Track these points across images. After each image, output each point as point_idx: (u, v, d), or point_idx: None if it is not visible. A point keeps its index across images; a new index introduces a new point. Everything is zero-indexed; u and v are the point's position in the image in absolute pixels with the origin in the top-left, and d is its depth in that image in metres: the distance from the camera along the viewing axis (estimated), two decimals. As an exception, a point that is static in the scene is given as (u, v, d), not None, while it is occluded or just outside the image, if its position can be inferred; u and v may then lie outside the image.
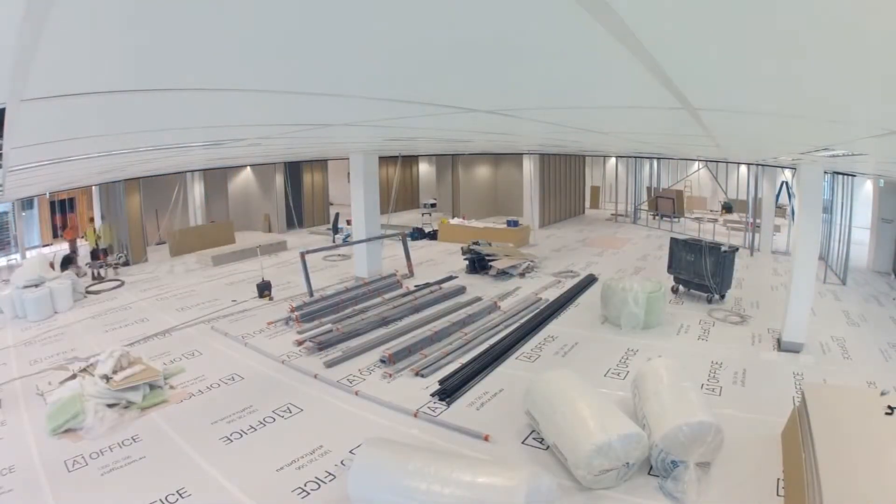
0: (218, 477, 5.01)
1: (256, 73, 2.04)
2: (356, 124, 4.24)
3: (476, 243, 12.85)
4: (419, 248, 15.56)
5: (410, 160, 24.37)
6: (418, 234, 17.34)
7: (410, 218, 21.28)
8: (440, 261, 13.89)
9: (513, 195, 21.24)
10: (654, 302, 8.64)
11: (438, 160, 23.36)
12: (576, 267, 12.87)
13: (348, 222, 16.59)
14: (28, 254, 15.36)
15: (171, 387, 6.85)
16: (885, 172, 8.73)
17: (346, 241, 15.04)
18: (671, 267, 10.73)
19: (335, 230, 16.95)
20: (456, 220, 17.55)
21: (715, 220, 19.79)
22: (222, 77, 2.07)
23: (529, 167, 17.95)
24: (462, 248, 13.01)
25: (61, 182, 10.11)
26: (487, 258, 12.33)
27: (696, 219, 19.61)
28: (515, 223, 16.27)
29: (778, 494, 4.62)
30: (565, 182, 21.45)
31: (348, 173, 12.28)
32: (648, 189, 22.34)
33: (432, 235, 17.22)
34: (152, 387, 6.60)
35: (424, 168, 25.06)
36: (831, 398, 4.71)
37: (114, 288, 12.00)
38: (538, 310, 9.47)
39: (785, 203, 18.59)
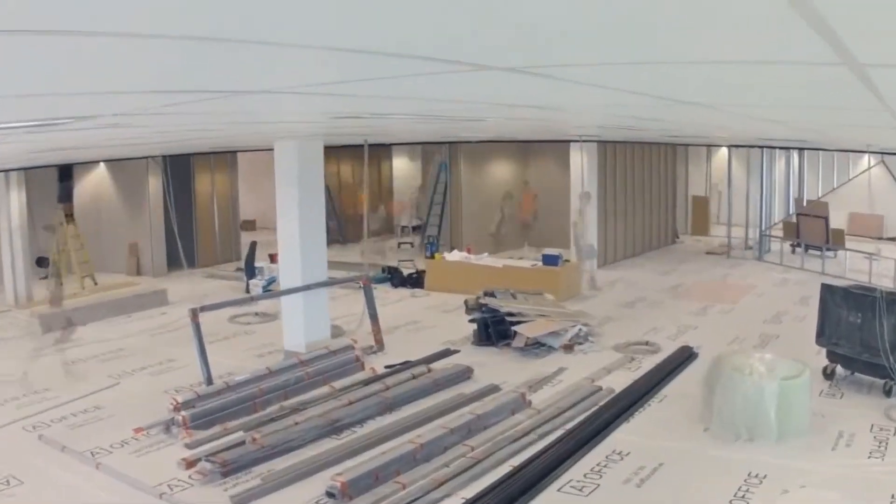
0: None
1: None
2: (289, 91, 4.25)
3: (490, 294, 12.84)
4: (394, 303, 15.62)
5: (379, 153, 24.45)
6: (392, 277, 17.34)
7: (379, 249, 21.57)
8: (429, 323, 13.96)
9: (552, 211, 21.19)
10: (792, 394, 8.64)
11: (426, 153, 23.47)
12: (660, 335, 12.92)
13: (272, 258, 16.57)
14: None
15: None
16: None
17: (269, 291, 15.19)
18: (823, 335, 10.76)
19: (250, 272, 16.75)
20: (456, 255, 17.59)
21: None
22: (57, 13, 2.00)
23: (581, 164, 17.83)
24: (466, 303, 13.04)
25: None
26: (509, 320, 12.36)
27: (867, 254, 19.58)
28: (557, 259, 16.30)
29: None
30: (643, 189, 21.65)
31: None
32: (797, 200, 22.36)
33: (415, 281, 17.21)
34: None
35: (402, 165, 25.15)
36: None
37: None
38: (596, 407, 9.47)
39: None
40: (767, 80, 3.56)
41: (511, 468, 8.01)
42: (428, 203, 22.77)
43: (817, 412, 9.32)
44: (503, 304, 12.74)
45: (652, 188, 22.17)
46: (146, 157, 17.79)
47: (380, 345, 12.38)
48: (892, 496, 7.31)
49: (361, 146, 13.50)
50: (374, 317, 12.57)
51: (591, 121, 9.17)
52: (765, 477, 7.82)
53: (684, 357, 11.68)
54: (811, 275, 18.27)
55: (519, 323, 12.41)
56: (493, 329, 12.48)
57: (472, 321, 12.82)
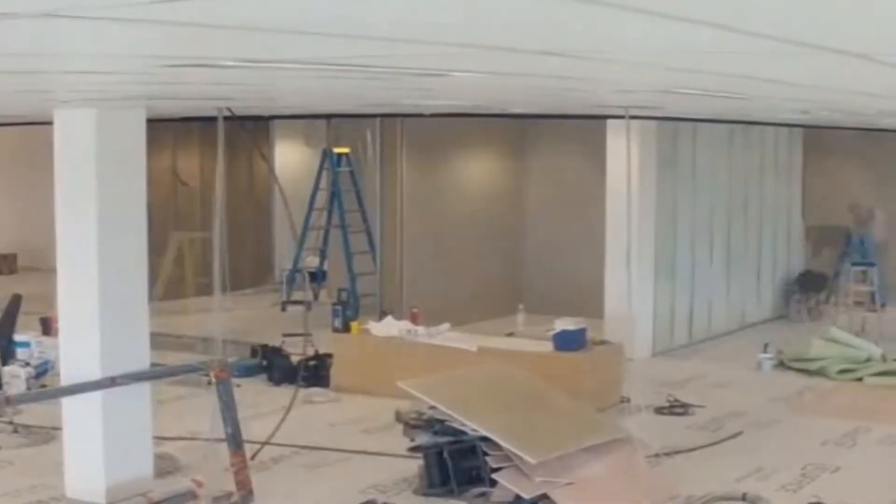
0: None
1: None
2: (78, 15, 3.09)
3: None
4: (275, 413, 13.49)
5: (244, 134, 21.76)
6: (271, 367, 15.29)
7: (248, 316, 18.26)
8: (339, 452, 11.94)
9: (568, 243, 18.27)
10: None
11: (345, 134, 20.65)
12: (769, 483, 10.90)
13: (47, 325, 15.53)
14: None
15: None
16: None
17: (40, 388, 13.48)
18: None
19: (5, 350, 14.74)
20: (390, 327, 15.10)
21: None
22: None
23: (631, 156, 14.31)
24: (401, 417, 11.43)
25: None
26: (489, 457, 10.35)
27: None
28: (577, 339, 13.55)
29: None
30: (750, 208, 18.45)
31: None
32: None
33: (314, 374, 14.98)
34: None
35: (291, 156, 22.70)
36: None
37: None
38: None
39: None
40: None
41: None
42: (324, 227, 19.06)
43: None
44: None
45: (764, 204, 18.06)
46: None
47: (245, 491, 9.86)
48: None
49: (214, 120, 10.40)
50: (234, 439, 10.00)
51: (645, 80, 7.09)
52: None
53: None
54: None
55: (501, 467, 9.66)
56: (454, 467, 9.85)
57: (415, 450, 10.19)
